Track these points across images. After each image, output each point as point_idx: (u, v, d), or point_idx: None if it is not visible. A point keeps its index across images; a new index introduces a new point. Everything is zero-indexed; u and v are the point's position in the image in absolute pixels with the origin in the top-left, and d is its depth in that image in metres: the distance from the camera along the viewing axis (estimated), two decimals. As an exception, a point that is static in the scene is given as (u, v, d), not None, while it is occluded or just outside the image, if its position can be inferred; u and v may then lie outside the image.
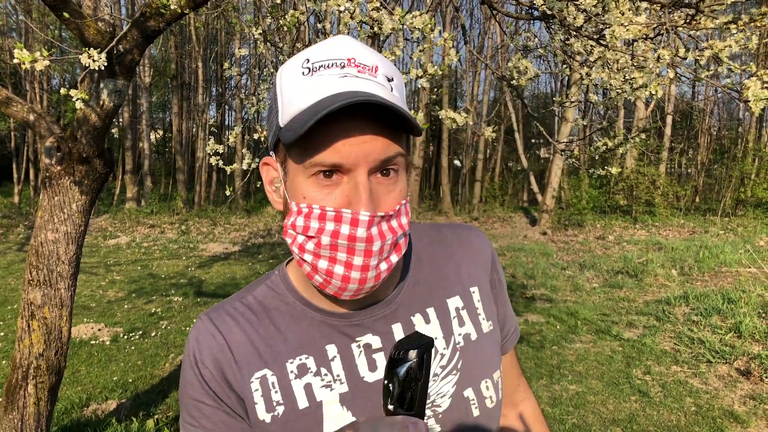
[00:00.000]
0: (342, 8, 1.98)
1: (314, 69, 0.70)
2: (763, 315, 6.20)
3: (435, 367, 0.85)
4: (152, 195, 21.35)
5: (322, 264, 0.72)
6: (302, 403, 0.79)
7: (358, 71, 0.70)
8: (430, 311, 0.87)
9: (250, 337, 0.81)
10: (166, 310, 7.20)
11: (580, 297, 8.02)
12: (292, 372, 0.80)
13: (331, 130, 0.67)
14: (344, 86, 0.69)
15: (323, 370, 0.81)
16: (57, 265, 2.58)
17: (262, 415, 0.79)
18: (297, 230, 0.73)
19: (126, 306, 7.44)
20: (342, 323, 0.82)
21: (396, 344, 0.61)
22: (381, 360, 0.83)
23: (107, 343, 5.81)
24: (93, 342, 5.80)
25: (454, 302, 0.90)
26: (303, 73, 0.71)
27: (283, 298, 0.85)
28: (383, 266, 0.74)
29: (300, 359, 0.81)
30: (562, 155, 3.45)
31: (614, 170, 3.32)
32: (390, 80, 0.73)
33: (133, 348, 5.68)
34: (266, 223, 16.80)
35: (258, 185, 5.94)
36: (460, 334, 0.88)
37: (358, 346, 0.82)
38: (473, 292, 0.92)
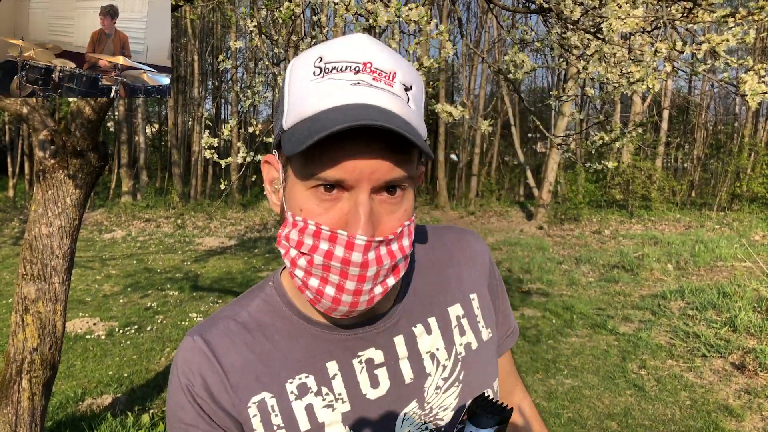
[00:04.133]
0: (337, 0, 1.97)
1: (326, 70, 0.65)
2: (758, 309, 6.22)
3: (437, 379, 0.82)
4: (148, 189, 21.30)
5: (313, 282, 0.69)
6: (304, 425, 0.75)
7: (373, 78, 0.65)
8: (432, 321, 0.85)
9: (247, 358, 0.76)
10: (162, 305, 7.19)
11: (576, 291, 8.04)
12: (292, 393, 0.76)
13: (335, 144, 0.63)
14: (355, 96, 0.64)
15: (324, 389, 0.77)
16: (51, 260, 2.57)
17: None
18: (290, 243, 0.69)
19: (121, 300, 7.42)
20: (342, 337, 0.78)
21: (472, 406, 0.52)
22: (383, 375, 0.79)
23: (102, 337, 5.79)
24: (88, 336, 5.79)
25: (455, 310, 0.87)
26: (314, 72, 0.66)
27: (279, 313, 0.80)
28: (378, 290, 0.70)
29: (300, 378, 0.77)
30: (558, 149, 3.45)
31: (611, 164, 3.32)
32: (408, 89, 0.68)
33: (128, 342, 5.67)
34: (262, 218, 16.78)
35: (254, 179, 5.93)
36: (461, 344, 0.86)
37: (360, 362, 0.79)
38: (473, 299, 0.90)
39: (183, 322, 6.38)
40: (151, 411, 3.97)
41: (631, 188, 17.12)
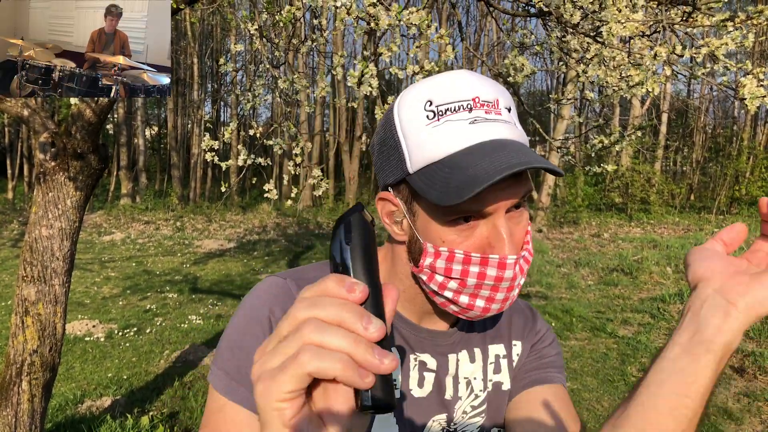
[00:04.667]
0: (338, 4, 1.97)
1: (440, 113, 0.70)
2: (757, 312, 6.22)
3: (466, 404, 0.88)
4: (147, 191, 21.30)
5: (464, 299, 0.75)
6: None
7: (486, 112, 0.70)
8: (477, 351, 0.91)
9: None
10: (161, 307, 7.18)
11: (575, 294, 8.04)
12: None
13: None
14: (478, 134, 0.69)
15: None
16: (51, 261, 2.57)
17: None
18: (437, 271, 0.74)
19: (120, 302, 7.41)
20: (409, 333, 0.85)
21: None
22: (430, 380, 0.85)
23: (102, 339, 5.79)
24: (87, 338, 5.78)
25: (496, 349, 0.93)
26: (428, 116, 0.70)
27: None
28: (516, 292, 0.77)
29: None
30: (558, 153, 3.45)
31: (610, 168, 3.33)
32: (509, 110, 0.73)
33: (127, 344, 5.66)
34: (261, 220, 16.77)
35: (254, 182, 5.90)
36: (491, 381, 0.91)
37: (416, 359, 0.85)
38: (515, 345, 0.96)
39: (182, 324, 6.37)
40: (151, 413, 3.97)
41: (630, 191, 17.14)
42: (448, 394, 0.86)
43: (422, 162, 0.70)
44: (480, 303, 0.74)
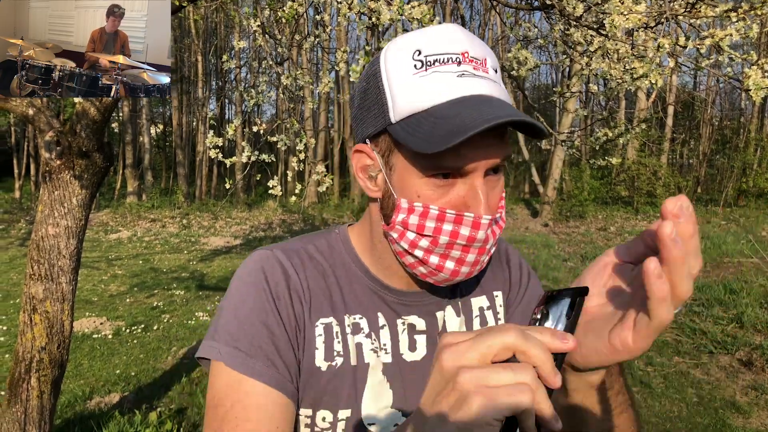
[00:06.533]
0: (340, -1, 1.97)
1: (428, 63, 0.69)
2: (765, 305, 6.19)
3: None
4: (153, 189, 21.38)
5: (433, 259, 0.74)
6: (353, 360, 0.80)
7: (474, 68, 0.69)
8: (460, 304, 0.90)
9: (318, 282, 0.81)
10: (168, 304, 7.22)
11: (582, 288, 8.02)
12: (349, 326, 0.81)
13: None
14: (464, 88, 0.68)
15: (373, 335, 0.82)
16: (58, 260, 2.59)
17: (320, 362, 0.78)
18: (409, 227, 0.73)
19: (128, 300, 7.45)
20: (392, 298, 0.84)
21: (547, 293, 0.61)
22: (422, 342, 0.85)
23: (109, 336, 5.82)
24: (95, 336, 5.82)
25: (479, 302, 0.92)
26: (416, 66, 0.69)
27: (340, 257, 0.85)
28: (486, 258, 0.76)
29: (354, 318, 0.82)
30: (563, 146, 3.44)
31: (615, 161, 3.32)
32: (496, 71, 0.73)
33: (135, 341, 5.69)
34: (267, 217, 16.81)
35: (259, 178, 6.00)
36: None
37: (403, 323, 0.84)
38: (496, 296, 0.94)
39: (189, 321, 6.40)
40: (159, 409, 4.00)
41: (637, 185, 17.08)
42: None
43: (406, 111, 0.69)
44: (450, 264, 0.73)
